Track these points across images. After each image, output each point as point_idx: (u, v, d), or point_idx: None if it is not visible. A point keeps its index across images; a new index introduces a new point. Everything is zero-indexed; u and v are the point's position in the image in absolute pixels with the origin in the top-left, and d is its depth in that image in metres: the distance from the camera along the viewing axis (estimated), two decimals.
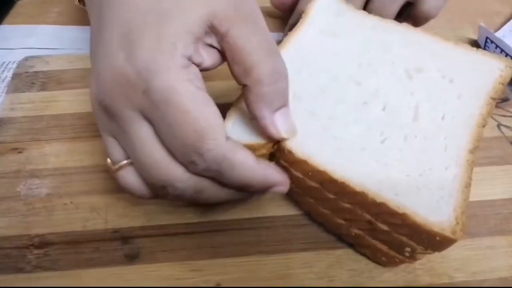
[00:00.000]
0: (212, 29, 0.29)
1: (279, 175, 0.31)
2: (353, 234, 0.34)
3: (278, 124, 0.31)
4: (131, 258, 0.37)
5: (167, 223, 0.38)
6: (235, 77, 0.30)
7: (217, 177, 0.30)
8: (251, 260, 0.36)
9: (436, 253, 0.33)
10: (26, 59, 0.51)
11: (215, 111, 0.28)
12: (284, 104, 0.31)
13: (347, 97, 0.36)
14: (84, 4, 0.47)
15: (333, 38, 0.40)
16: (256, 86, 0.29)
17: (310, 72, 0.37)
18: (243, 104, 0.32)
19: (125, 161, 0.30)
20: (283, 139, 0.32)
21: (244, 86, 0.30)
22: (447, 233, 0.29)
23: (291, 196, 0.38)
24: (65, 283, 0.35)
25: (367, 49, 0.39)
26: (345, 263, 0.36)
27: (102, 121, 0.31)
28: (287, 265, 0.36)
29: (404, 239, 0.31)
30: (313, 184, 0.33)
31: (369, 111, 0.35)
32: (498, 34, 0.54)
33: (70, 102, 0.47)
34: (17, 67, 0.50)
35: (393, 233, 0.31)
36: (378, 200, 0.30)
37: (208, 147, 0.28)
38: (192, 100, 0.27)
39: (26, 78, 0.49)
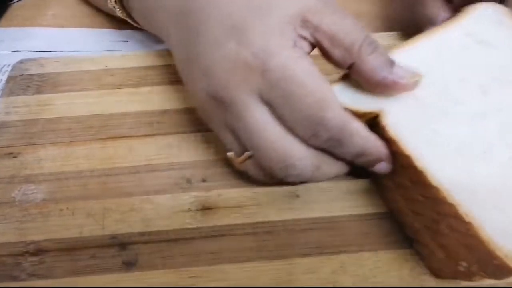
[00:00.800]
0: (305, 23, 0.32)
1: (386, 149, 0.33)
2: (416, 228, 0.34)
3: (401, 73, 0.33)
4: (129, 265, 0.36)
5: (165, 229, 0.37)
6: (337, 62, 0.33)
7: (337, 147, 0.32)
8: (252, 266, 0.35)
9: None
10: (21, 62, 0.50)
11: (328, 84, 0.31)
12: (391, 59, 0.33)
13: (465, 100, 0.35)
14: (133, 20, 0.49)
15: (480, 45, 0.38)
16: (363, 57, 0.32)
17: (441, 67, 0.36)
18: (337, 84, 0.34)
19: (248, 152, 0.33)
20: (414, 84, 0.33)
21: (350, 67, 0.32)
22: (509, 262, 0.27)
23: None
24: None
25: None
26: (349, 269, 0.35)
27: (215, 116, 0.34)
28: (290, 271, 0.35)
29: (463, 250, 0.30)
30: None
31: (483, 121, 0.34)
32: None
33: (66, 105, 0.46)
34: (12, 70, 0.49)
35: (454, 240, 0.30)
36: (450, 200, 0.29)
37: (331, 115, 0.30)
38: (308, 75, 0.30)
39: (21, 81, 0.48)
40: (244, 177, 0.40)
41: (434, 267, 0.35)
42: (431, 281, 0.35)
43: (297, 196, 0.39)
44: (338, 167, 0.34)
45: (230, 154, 0.35)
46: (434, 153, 0.32)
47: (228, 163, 0.40)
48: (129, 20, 0.49)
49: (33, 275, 0.35)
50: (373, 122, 0.34)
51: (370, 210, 0.38)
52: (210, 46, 0.32)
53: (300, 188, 0.40)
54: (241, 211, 0.38)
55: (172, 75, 0.47)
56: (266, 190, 0.39)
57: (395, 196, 0.36)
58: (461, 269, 0.31)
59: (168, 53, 0.50)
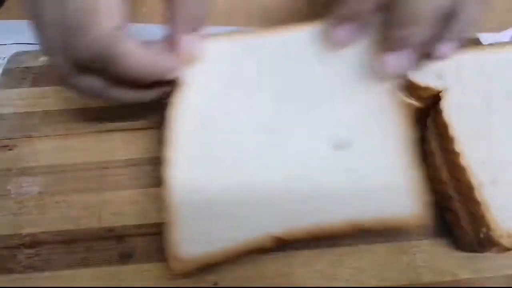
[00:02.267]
0: None
1: (172, 59, 0.33)
2: (449, 195, 0.36)
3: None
4: (126, 257, 0.35)
5: (162, 221, 0.37)
6: None
7: (104, 70, 0.31)
8: (250, 258, 0.35)
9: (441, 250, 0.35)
10: (17, 54, 0.50)
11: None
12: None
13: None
14: None
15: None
16: None
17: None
18: None
19: None
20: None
21: None
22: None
23: None
24: (58, 283, 0.34)
25: None
26: (346, 261, 0.35)
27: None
28: (288, 263, 0.35)
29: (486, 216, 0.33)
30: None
31: None
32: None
33: (62, 98, 0.46)
34: (8, 62, 0.49)
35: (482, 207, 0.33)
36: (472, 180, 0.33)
37: (92, 35, 0.29)
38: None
39: (17, 74, 0.48)
40: None
41: (457, 235, 0.36)
42: (428, 273, 0.35)
43: None
44: (123, 95, 0.34)
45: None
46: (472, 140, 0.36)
47: None
48: None
49: (29, 268, 0.35)
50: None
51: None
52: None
53: None
54: None
55: None
56: None
57: (440, 161, 0.37)
58: (481, 235, 0.33)
59: None
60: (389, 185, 0.33)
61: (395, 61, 0.34)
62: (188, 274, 0.32)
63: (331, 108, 0.36)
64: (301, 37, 0.38)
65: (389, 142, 0.35)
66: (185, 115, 0.35)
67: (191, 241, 0.32)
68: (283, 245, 0.35)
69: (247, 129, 0.35)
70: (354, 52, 0.37)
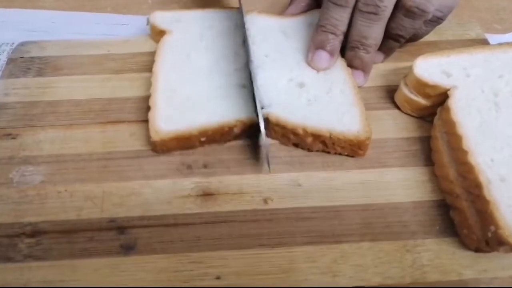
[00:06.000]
0: None
1: None
2: (456, 194, 0.36)
3: None
4: (127, 249, 0.35)
5: (165, 213, 0.37)
6: None
7: None
8: (253, 253, 0.35)
9: (446, 249, 0.35)
10: (22, 44, 0.49)
11: None
12: None
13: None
14: None
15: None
16: None
17: None
18: None
19: None
20: None
21: None
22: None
23: None
24: (58, 273, 0.34)
25: None
26: (350, 258, 0.35)
27: None
28: (290, 259, 0.35)
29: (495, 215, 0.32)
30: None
31: None
32: None
33: (67, 88, 0.45)
34: (13, 52, 0.49)
35: (491, 205, 0.33)
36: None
37: None
38: None
39: (22, 64, 0.48)
40: (245, 165, 0.40)
41: (464, 234, 0.35)
42: (433, 272, 0.34)
43: (299, 185, 0.39)
44: None
45: None
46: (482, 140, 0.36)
47: (229, 150, 0.40)
48: None
49: (29, 257, 0.35)
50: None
51: (371, 200, 0.38)
52: None
53: (301, 177, 0.39)
54: (242, 198, 0.38)
55: None
56: (267, 178, 0.39)
57: (447, 160, 0.38)
58: (489, 234, 0.33)
59: None
60: (337, 109, 0.41)
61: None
62: (166, 148, 0.40)
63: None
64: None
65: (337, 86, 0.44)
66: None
67: (167, 120, 0.40)
68: (285, 241, 0.35)
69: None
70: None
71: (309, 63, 0.45)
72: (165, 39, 0.48)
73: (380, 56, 0.48)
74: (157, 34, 0.49)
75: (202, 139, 0.40)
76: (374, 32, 0.43)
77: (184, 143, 0.40)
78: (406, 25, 0.43)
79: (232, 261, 0.35)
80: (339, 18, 0.44)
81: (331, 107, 0.42)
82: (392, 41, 0.45)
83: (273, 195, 0.38)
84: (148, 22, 0.50)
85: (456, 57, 0.42)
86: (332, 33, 0.44)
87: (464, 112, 0.38)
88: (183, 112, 0.41)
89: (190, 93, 0.43)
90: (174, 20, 0.50)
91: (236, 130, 0.41)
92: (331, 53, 0.45)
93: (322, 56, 0.45)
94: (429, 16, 0.43)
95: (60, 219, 0.36)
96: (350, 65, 0.46)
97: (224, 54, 0.47)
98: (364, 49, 0.44)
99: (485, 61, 0.41)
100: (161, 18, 0.50)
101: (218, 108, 0.41)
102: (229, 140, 0.41)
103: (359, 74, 0.46)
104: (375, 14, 0.42)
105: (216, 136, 0.41)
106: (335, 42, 0.44)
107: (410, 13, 0.42)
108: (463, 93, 0.39)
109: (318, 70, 0.45)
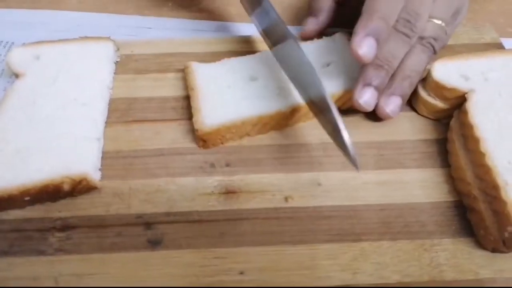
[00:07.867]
0: None
1: None
2: (473, 196, 0.37)
3: None
4: (154, 244, 0.36)
5: (189, 210, 0.38)
6: None
7: None
8: (275, 250, 0.36)
9: (463, 249, 0.36)
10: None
11: None
12: None
13: None
14: None
15: None
16: None
17: None
18: None
19: None
20: None
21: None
22: None
23: None
24: (88, 266, 0.35)
25: None
26: (370, 256, 0.36)
27: None
28: (312, 256, 0.36)
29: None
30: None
31: None
32: None
33: None
34: None
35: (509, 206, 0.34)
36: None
37: None
38: None
39: None
40: (266, 164, 0.41)
41: (481, 234, 0.36)
42: (450, 271, 0.35)
43: (319, 184, 0.40)
44: None
45: None
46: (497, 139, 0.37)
47: (250, 150, 0.41)
48: None
49: (59, 250, 0.36)
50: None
51: (389, 200, 0.39)
52: None
53: (321, 177, 0.40)
54: (264, 196, 0.39)
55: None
56: (288, 177, 0.40)
57: (464, 162, 0.38)
58: (506, 235, 0.34)
59: (191, 40, 0.51)
60: None
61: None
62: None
63: None
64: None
65: None
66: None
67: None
68: (306, 238, 0.36)
69: None
70: None
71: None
72: (15, 84, 0.44)
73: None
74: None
75: (26, 198, 0.37)
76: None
77: (5, 203, 0.37)
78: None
79: (255, 257, 0.36)
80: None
81: None
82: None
83: (293, 194, 0.39)
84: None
85: (474, 61, 0.43)
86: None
87: (482, 115, 0.39)
88: (8, 169, 0.38)
89: (22, 145, 0.39)
90: (33, 58, 0.46)
91: (66, 187, 0.37)
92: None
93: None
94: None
95: (89, 214, 0.38)
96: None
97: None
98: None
99: (503, 65, 0.42)
100: (19, 57, 0.46)
101: (45, 164, 0.38)
102: (61, 198, 0.38)
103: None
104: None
105: (42, 195, 0.38)
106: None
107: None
108: (480, 96, 0.40)
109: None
